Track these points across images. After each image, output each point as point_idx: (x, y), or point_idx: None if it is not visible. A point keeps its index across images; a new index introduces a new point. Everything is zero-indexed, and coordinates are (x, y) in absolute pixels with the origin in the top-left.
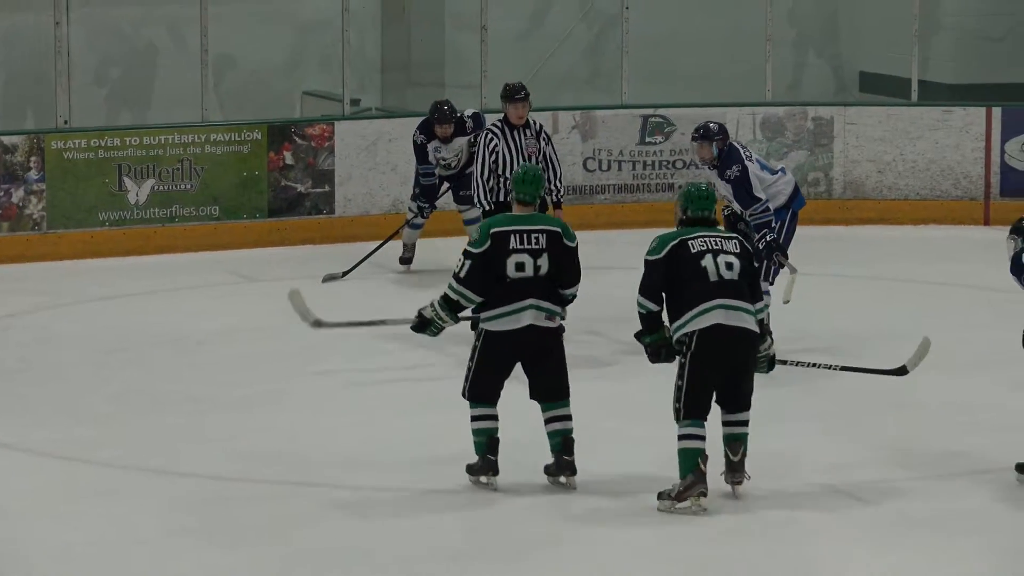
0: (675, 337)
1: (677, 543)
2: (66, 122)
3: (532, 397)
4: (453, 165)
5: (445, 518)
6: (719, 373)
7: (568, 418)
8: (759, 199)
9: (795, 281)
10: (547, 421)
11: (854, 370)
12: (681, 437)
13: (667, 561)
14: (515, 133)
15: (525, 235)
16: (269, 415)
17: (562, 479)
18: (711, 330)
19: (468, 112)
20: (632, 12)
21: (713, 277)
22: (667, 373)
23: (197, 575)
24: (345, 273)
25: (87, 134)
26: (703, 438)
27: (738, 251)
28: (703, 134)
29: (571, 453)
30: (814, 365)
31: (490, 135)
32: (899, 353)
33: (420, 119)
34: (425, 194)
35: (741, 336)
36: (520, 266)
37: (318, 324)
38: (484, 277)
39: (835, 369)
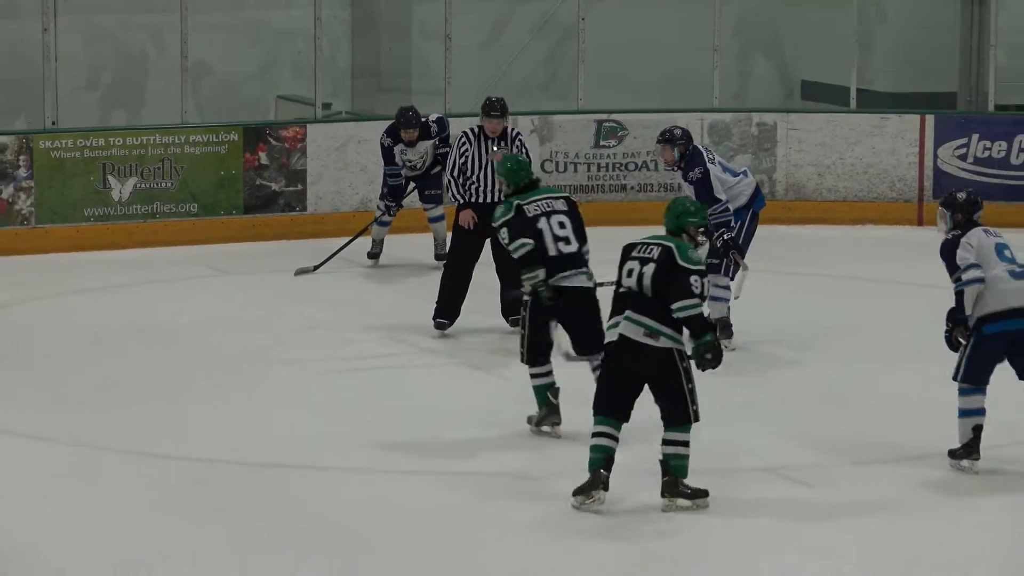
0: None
1: (615, 534)
2: (54, 123)
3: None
4: (419, 167)
5: (411, 499)
6: (554, 318)
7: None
8: (719, 200)
9: (745, 278)
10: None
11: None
12: (532, 375)
13: (614, 551)
14: (488, 142)
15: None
16: (244, 401)
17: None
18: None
19: (433, 117)
20: (588, 23)
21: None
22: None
23: (178, 552)
24: (316, 267)
25: (74, 134)
26: (549, 374)
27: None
28: (666, 138)
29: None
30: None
31: (464, 139)
32: (837, 347)
33: (388, 123)
34: (392, 194)
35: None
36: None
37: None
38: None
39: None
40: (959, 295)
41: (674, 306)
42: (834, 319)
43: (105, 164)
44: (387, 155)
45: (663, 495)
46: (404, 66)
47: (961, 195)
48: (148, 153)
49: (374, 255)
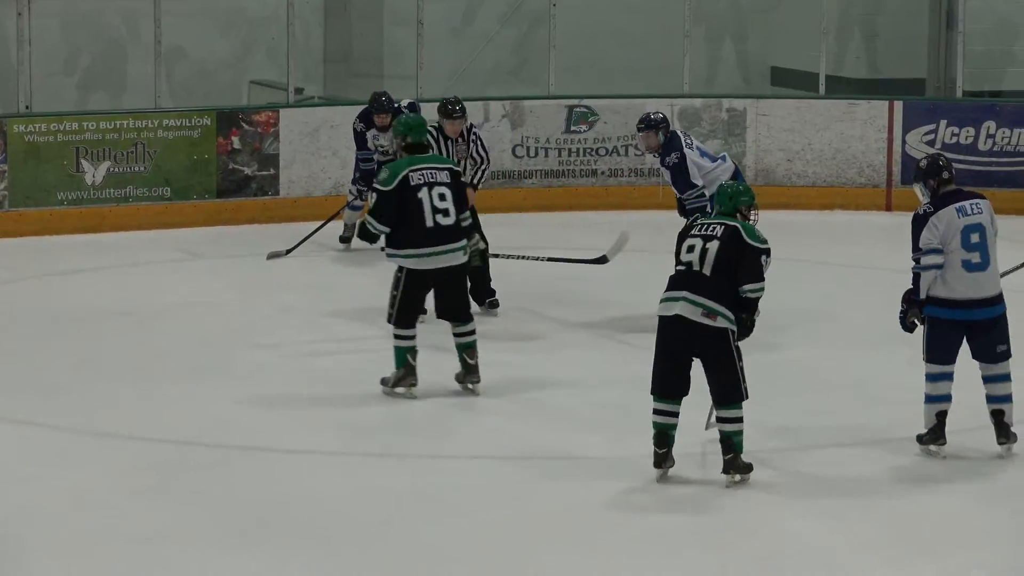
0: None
1: (606, 507)
2: (28, 107)
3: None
4: (390, 151)
5: (381, 478)
6: (426, 288)
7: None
8: (695, 185)
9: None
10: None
11: (559, 260)
12: (396, 337)
13: (600, 523)
14: (447, 142)
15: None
16: (218, 384)
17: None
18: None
19: (405, 102)
20: (559, 9)
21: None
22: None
23: (151, 534)
24: (289, 251)
25: (47, 118)
26: (413, 337)
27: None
28: (648, 124)
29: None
30: (520, 257)
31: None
32: (805, 331)
33: (360, 108)
34: (364, 178)
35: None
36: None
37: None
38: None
39: (542, 260)
40: (916, 276)
41: (746, 287)
42: (803, 303)
43: (78, 148)
44: (359, 140)
45: (727, 472)
46: (376, 51)
47: (923, 162)
48: (121, 137)
49: (346, 239)
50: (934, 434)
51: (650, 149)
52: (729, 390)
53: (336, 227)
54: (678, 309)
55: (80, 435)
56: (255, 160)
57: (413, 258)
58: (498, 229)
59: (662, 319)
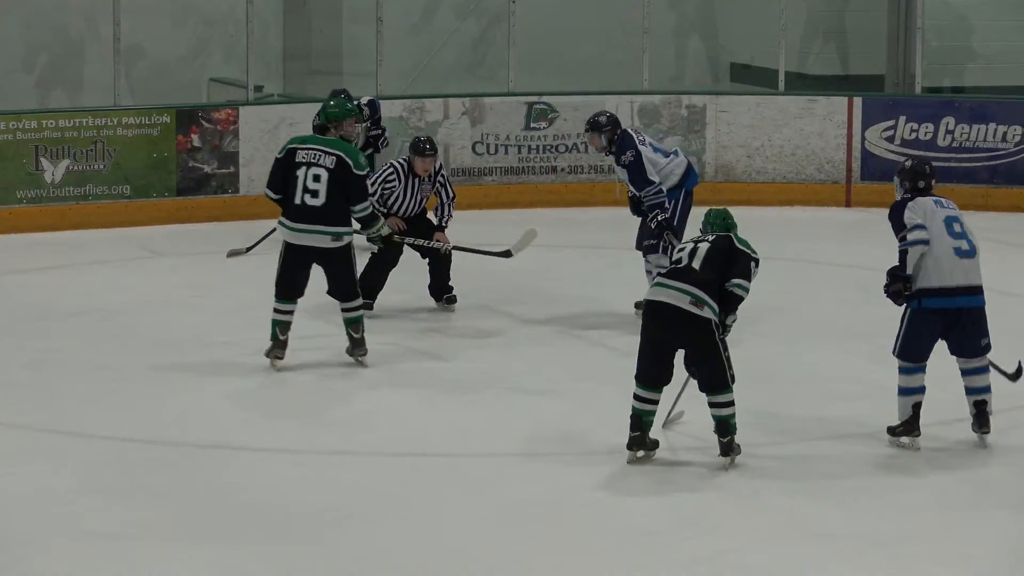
0: None
1: (552, 498)
2: None
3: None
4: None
5: (341, 474)
6: (305, 265)
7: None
8: (652, 182)
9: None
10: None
11: (466, 250)
12: (275, 310)
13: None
14: (415, 179)
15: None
16: (178, 382)
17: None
18: None
19: (364, 100)
20: (519, 6)
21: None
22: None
23: (112, 531)
24: (249, 248)
25: (6, 117)
26: (288, 312)
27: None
28: (591, 126)
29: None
30: (428, 245)
31: (392, 172)
32: (765, 326)
33: (319, 104)
34: None
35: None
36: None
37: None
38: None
39: (448, 248)
40: (903, 254)
41: (734, 280)
42: (762, 299)
43: (38, 146)
44: None
45: (726, 454)
46: (335, 48)
47: (908, 163)
48: (81, 135)
49: None
50: (908, 426)
51: (599, 150)
52: (717, 377)
53: None
54: (664, 296)
55: (39, 433)
56: (215, 158)
57: (285, 229)
58: (458, 226)
59: (649, 304)
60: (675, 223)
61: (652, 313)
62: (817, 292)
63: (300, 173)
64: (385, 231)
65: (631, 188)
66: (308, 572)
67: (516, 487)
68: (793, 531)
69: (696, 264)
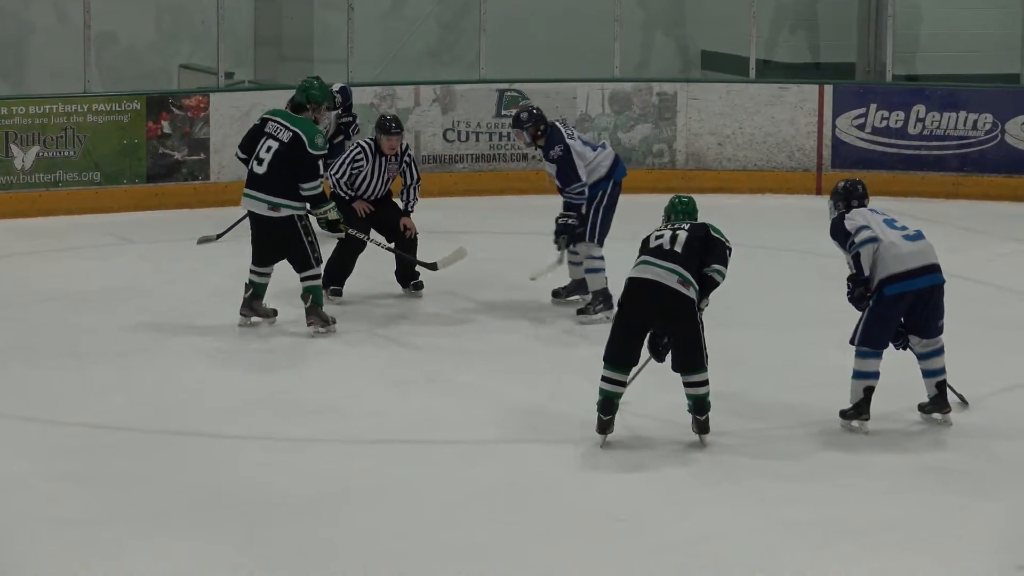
0: None
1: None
2: None
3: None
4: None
5: (314, 460)
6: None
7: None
8: (580, 179)
9: (550, 271)
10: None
11: (400, 254)
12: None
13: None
14: (383, 159)
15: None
16: (146, 368)
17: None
18: None
19: (336, 87)
20: None
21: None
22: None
23: (81, 518)
24: (219, 235)
25: None
26: (260, 274)
27: None
28: (513, 122)
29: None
30: (366, 239)
31: (360, 152)
32: (737, 312)
33: (291, 92)
34: None
35: None
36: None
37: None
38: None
39: (384, 247)
40: (856, 258)
41: (713, 266)
42: (733, 286)
43: (7, 133)
44: None
45: (704, 432)
46: (306, 35)
47: (840, 185)
48: (51, 122)
49: None
50: (858, 409)
51: (526, 145)
52: (695, 357)
53: None
54: (651, 274)
55: (8, 419)
56: (185, 145)
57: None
58: (429, 213)
59: (633, 281)
60: (600, 219)
61: (635, 291)
62: (787, 280)
63: (261, 142)
64: (333, 216)
65: (557, 182)
66: (278, 557)
67: (485, 473)
68: (765, 518)
69: (678, 248)
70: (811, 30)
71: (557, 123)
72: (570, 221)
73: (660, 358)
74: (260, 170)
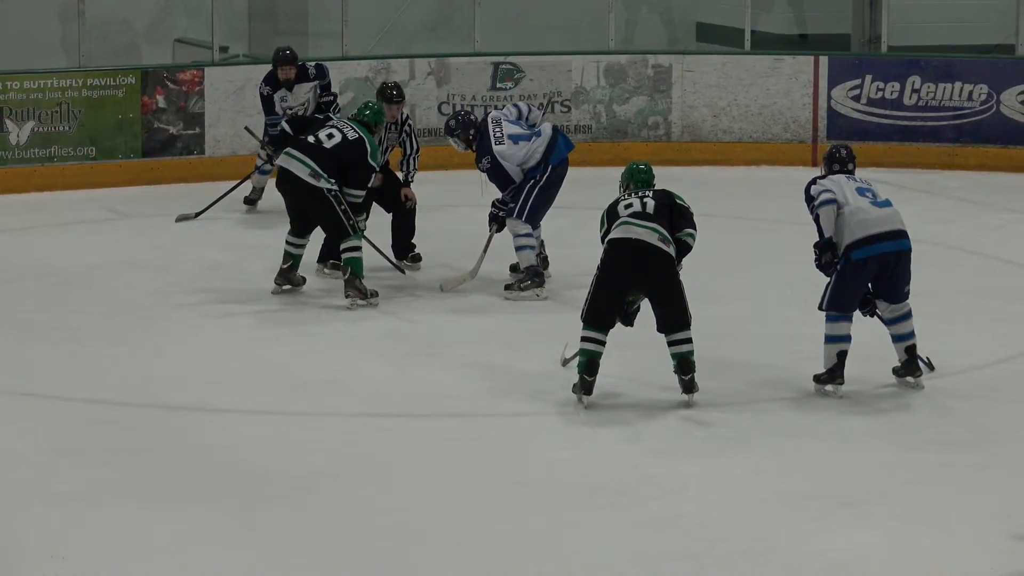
0: None
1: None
2: None
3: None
4: (300, 114)
5: (309, 436)
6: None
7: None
8: (513, 181)
9: (462, 283)
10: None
11: (394, 264)
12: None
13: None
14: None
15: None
16: (140, 343)
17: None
18: None
19: (312, 64)
20: None
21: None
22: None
23: (79, 491)
24: (198, 214)
25: None
26: (295, 246)
27: None
28: (447, 130)
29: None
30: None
31: None
32: (732, 284)
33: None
34: (273, 142)
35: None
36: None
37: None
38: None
39: (379, 251)
40: (817, 220)
41: (686, 230)
42: (729, 258)
43: (2, 108)
44: (267, 104)
45: (692, 392)
46: (301, 9)
47: (830, 148)
48: (46, 97)
49: (251, 201)
50: (832, 373)
51: (463, 151)
52: (680, 315)
53: (247, 189)
54: (634, 233)
55: (3, 395)
56: (180, 119)
57: (283, 156)
58: (425, 187)
59: (616, 242)
60: (532, 199)
61: (619, 250)
62: (782, 251)
63: (322, 130)
64: (362, 225)
65: (493, 183)
66: (276, 532)
67: (482, 447)
68: (759, 490)
69: (651, 212)
70: (806, 1)
71: (488, 119)
72: (500, 213)
73: (629, 321)
74: (327, 144)
